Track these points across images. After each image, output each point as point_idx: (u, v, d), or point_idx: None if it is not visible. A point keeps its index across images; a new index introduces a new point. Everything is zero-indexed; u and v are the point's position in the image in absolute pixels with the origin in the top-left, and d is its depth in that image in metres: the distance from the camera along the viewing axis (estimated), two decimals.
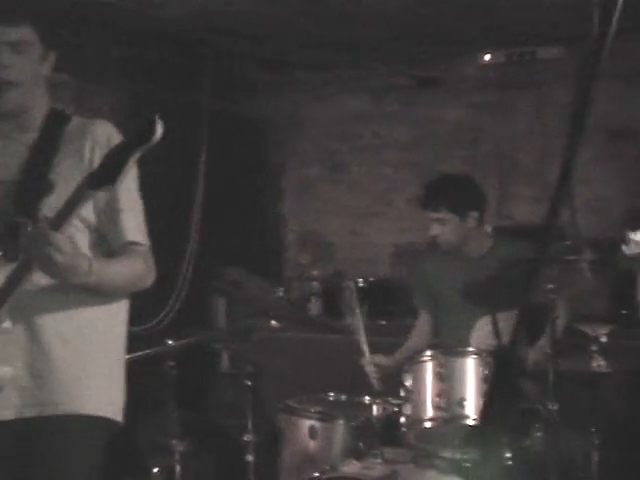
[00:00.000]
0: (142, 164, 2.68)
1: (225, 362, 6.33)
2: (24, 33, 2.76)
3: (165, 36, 6.31)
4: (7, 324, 2.64)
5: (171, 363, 4.38)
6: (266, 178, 7.83)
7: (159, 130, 2.28)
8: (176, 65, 6.55)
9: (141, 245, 2.84)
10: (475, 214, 4.74)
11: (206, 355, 5.86)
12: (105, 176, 2.35)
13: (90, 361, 2.84)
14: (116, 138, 2.78)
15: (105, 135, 2.80)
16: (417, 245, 7.21)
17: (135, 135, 2.32)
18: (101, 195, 2.58)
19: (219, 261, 6.64)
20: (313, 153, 7.84)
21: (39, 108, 2.88)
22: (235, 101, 7.37)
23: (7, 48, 2.73)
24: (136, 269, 2.82)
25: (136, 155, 2.34)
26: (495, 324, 3.99)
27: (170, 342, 4.38)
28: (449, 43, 6.68)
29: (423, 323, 5.01)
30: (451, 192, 4.76)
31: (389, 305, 6.66)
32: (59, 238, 2.43)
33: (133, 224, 2.81)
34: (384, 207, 7.56)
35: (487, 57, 6.75)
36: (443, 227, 4.70)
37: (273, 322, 4.63)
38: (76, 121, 2.89)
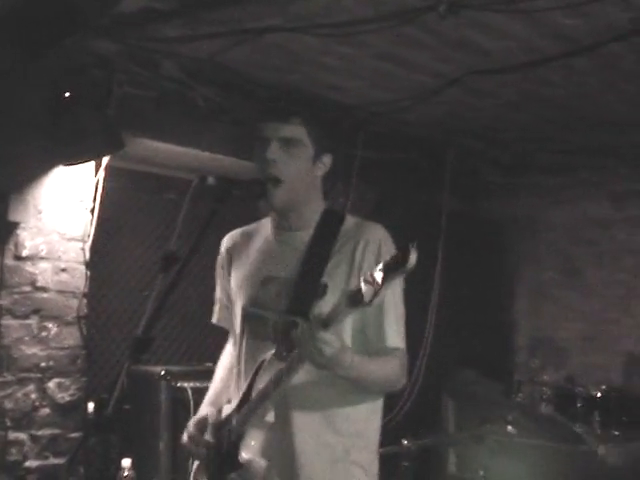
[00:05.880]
0: None
1: (453, 464, 6.26)
2: (296, 132, 2.87)
3: (408, 138, 6.46)
4: (270, 417, 2.77)
5: (406, 463, 4.39)
6: (500, 280, 7.81)
7: (413, 258, 2.31)
8: (418, 165, 6.69)
9: (399, 350, 2.87)
10: None
11: (434, 456, 5.82)
12: (362, 296, 2.40)
13: (345, 462, 2.86)
14: (386, 244, 2.86)
15: (377, 240, 2.86)
16: None
17: (392, 262, 2.35)
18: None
19: (450, 362, 6.62)
20: (548, 257, 7.75)
21: (311, 206, 2.97)
22: (472, 202, 7.44)
23: (277, 144, 2.84)
24: (394, 371, 2.86)
25: (391, 281, 2.37)
26: None
27: (405, 442, 4.39)
28: None
29: None
30: None
31: (623, 415, 6.40)
32: (328, 336, 2.51)
33: (395, 330, 2.84)
34: (620, 314, 7.35)
35: None
36: None
37: (510, 428, 4.57)
38: (350, 221, 2.97)
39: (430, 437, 4.55)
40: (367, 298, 2.37)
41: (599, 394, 6.29)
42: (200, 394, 3.36)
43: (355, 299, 2.41)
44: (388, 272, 2.35)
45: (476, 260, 7.35)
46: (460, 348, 6.94)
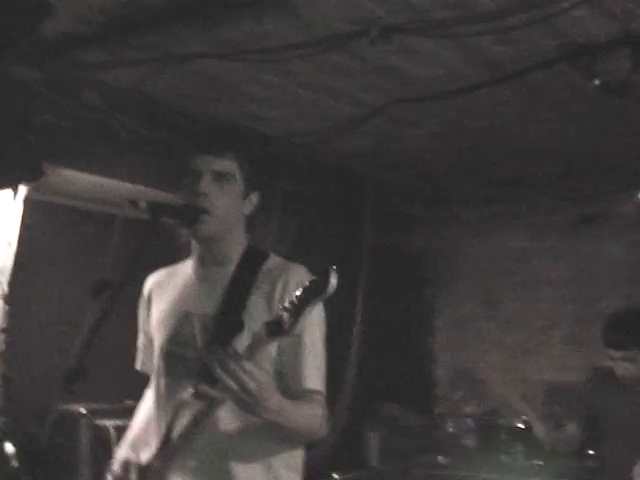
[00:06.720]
0: None
1: None
2: (229, 166, 2.84)
3: (329, 170, 6.44)
4: (192, 462, 2.69)
5: None
6: (420, 312, 7.82)
7: (333, 282, 2.29)
8: (338, 197, 6.67)
9: (319, 393, 2.75)
10: None
11: None
12: (281, 325, 2.35)
13: None
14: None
15: (296, 281, 2.75)
16: (573, 384, 7.03)
17: (311, 287, 2.33)
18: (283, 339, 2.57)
19: (373, 396, 6.58)
20: (468, 289, 7.79)
21: (236, 242, 2.93)
22: (393, 234, 7.44)
23: (210, 177, 2.81)
24: (317, 418, 2.74)
25: (311, 306, 2.34)
26: None
27: (336, 476, 4.33)
28: (610, 181, 6.65)
29: None
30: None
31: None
32: (252, 367, 2.40)
33: (314, 372, 2.73)
34: (540, 344, 7.42)
35: None
36: (631, 365, 4.50)
37: (440, 458, 4.55)
38: (273, 260, 2.92)
39: (358, 471, 4.48)
40: (287, 326, 2.32)
41: (522, 425, 6.32)
42: (122, 432, 3.24)
43: (275, 329, 2.36)
44: (308, 297, 2.32)
45: (397, 293, 7.35)
46: (382, 382, 6.91)
